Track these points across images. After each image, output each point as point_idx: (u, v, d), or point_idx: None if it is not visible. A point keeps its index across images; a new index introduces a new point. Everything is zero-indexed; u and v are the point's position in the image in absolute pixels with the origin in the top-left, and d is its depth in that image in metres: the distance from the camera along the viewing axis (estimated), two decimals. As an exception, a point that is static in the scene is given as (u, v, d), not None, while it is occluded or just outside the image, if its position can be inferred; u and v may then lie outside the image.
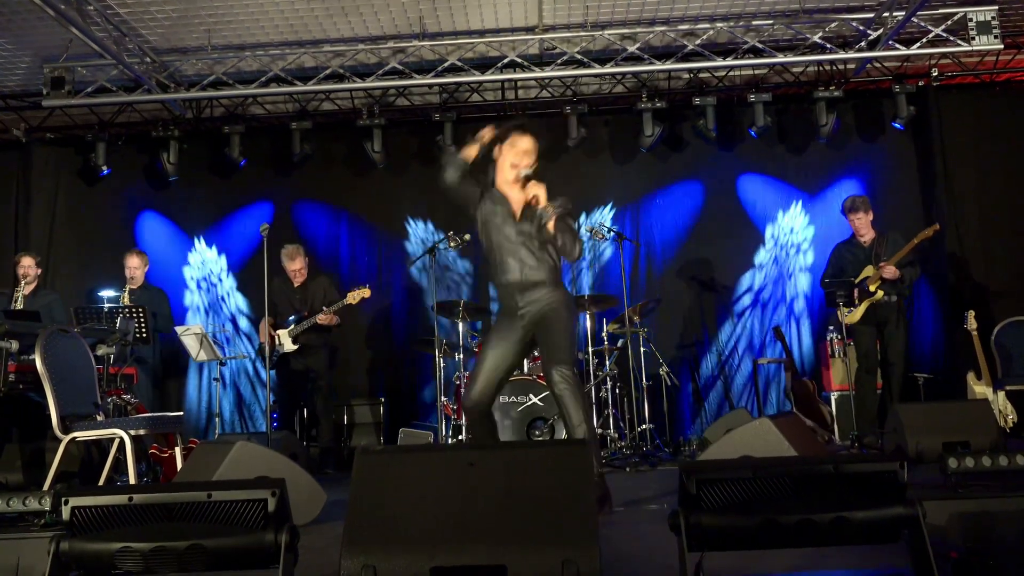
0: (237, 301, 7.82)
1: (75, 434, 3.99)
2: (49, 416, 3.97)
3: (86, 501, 1.82)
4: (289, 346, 6.23)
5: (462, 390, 6.04)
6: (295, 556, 1.88)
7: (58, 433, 3.96)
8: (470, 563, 1.78)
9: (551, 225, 3.63)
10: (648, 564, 2.51)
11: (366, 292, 6.26)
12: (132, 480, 4.03)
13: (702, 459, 3.52)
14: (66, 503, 1.82)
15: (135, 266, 6.38)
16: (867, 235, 5.99)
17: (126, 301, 6.05)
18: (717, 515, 1.82)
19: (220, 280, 7.87)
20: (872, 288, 5.81)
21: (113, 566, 1.81)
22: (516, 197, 3.76)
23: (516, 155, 3.70)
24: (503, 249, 3.76)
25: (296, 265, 6.44)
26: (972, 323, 6.43)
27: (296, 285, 6.47)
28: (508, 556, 1.79)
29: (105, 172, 7.67)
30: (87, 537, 1.82)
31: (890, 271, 5.71)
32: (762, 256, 7.66)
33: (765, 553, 2.31)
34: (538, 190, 3.62)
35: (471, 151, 3.77)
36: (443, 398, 6.17)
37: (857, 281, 5.88)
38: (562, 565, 1.75)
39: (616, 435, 6.08)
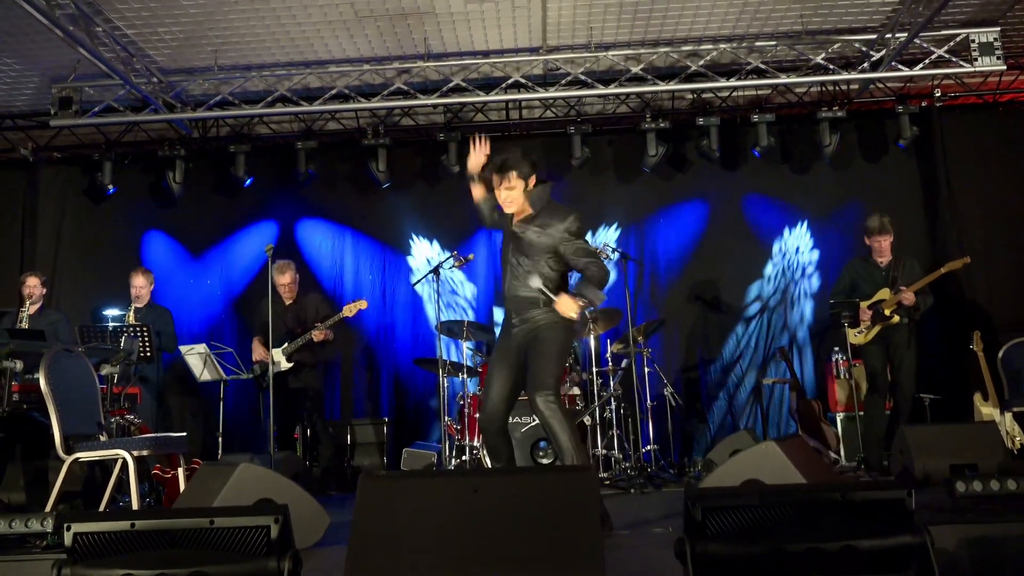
0: (246, 339, 7.78)
1: (78, 455, 3.98)
2: (53, 436, 3.96)
3: (88, 527, 1.80)
4: (284, 364, 6.18)
5: (466, 410, 6.03)
6: (298, 583, 1.86)
7: (61, 454, 3.95)
8: (474, 591, 1.77)
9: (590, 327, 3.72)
10: (653, 590, 2.49)
11: (362, 304, 6.22)
12: (134, 501, 4.01)
13: (707, 484, 3.49)
14: (68, 529, 1.81)
15: (141, 285, 6.38)
16: (886, 257, 5.96)
17: (131, 320, 6.05)
18: (723, 543, 1.81)
19: (229, 305, 7.86)
20: (887, 312, 5.77)
21: (115, 593, 1.80)
22: (516, 222, 3.86)
23: (499, 192, 3.79)
24: (505, 266, 3.92)
25: (286, 279, 6.38)
26: (978, 344, 6.40)
27: (287, 303, 6.42)
28: (512, 584, 1.78)
29: (111, 191, 7.71)
30: (89, 563, 1.81)
31: (909, 298, 5.67)
32: (767, 276, 7.65)
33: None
34: (569, 311, 3.65)
35: (478, 190, 4.00)
36: (447, 418, 6.15)
37: (870, 303, 5.85)
38: (567, 593, 1.74)
39: (620, 456, 6.05)
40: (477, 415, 5.94)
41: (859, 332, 5.83)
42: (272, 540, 1.80)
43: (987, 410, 6.37)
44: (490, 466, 3.94)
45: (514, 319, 3.84)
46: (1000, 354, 6.53)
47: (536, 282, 3.68)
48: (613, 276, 7.63)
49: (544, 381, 3.65)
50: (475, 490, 1.92)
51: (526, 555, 1.82)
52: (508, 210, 3.79)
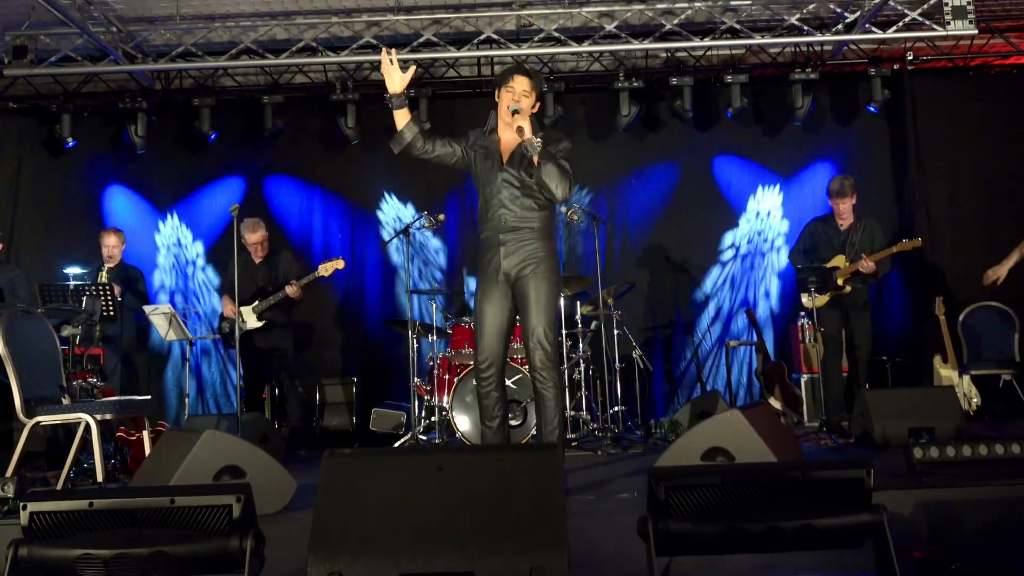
0: (213, 298, 7.66)
1: (39, 418, 3.93)
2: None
3: (45, 507, 1.78)
4: (253, 323, 6.09)
5: (435, 371, 6.02)
6: (261, 562, 1.86)
7: (22, 417, 3.89)
8: (438, 570, 1.78)
9: (535, 159, 3.41)
10: (618, 562, 2.52)
11: (339, 263, 6.10)
12: (98, 465, 3.97)
13: (671, 453, 3.53)
14: (24, 508, 1.78)
15: (113, 244, 6.23)
16: (847, 220, 5.92)
17: (104, 279, 5.92)
18: (685, 521, 1.83)
19: (194, 264, 7.72)
20: (840, 282, 5.77)
21: (74, 573, 1.78)
22: (508, 139, 3.64)
23: (511, 95, 3.57)
24: (488, 195, 3.64)
25: (257, 237, 6.24)
26: (940, 308, 6.51)
27: (258, 262, 6.32)
28: (476, 562, 1.78)
29: (71, 144, 7.46)
30: (47, 543, 1.78)
31: (869, 266, 5.63)
32: (736, 237, 7.68)
33: (733, 556, 2.33)
34: (522, 121, 3.44)
35: (403, 115, 3.77)
36: (416, 379, 6.15)
37: (827, 267, 5.87)
38: (531, 571, 1.75)
39: (588, 417, 6.11)
40: (447, 376, 5.94)
41: (811, 297, 5.79)
42: (234, 519, 1.78)
43: (946, 372, 6.52)
44: (481, 424, 3.68)
45: (502, 248, 3.55)
46: (960, 318, 6.67)
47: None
48: (583, 234, 7.63)
49: (543, 334, 3.46)
50: (439, 468, 1.92)
51: (490, 535, 1.82)
52: (517, 122, 3.43)
